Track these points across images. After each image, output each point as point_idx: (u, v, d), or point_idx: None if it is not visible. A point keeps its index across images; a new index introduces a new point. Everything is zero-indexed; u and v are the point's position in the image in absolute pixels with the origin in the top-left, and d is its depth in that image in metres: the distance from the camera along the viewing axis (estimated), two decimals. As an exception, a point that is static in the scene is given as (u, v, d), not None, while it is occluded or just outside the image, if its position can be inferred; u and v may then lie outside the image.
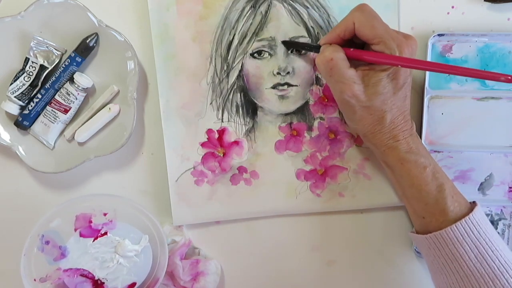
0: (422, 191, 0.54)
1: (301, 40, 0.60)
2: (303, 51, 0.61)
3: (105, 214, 0.58)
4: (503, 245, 0.52)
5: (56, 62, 0.59)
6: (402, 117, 0.54)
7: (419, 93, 0.62)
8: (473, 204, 0.55)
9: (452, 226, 0.52)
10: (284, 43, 0.60)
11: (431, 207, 0.54)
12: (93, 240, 0.57)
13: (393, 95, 0.53)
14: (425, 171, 0.54)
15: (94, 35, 0.58)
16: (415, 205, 0.55)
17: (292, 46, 0.60)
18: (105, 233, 0.57)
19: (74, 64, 0.58)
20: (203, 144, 0.62)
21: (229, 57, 0.61)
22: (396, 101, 0.53)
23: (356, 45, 0.54)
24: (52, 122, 0.60)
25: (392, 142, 0.54)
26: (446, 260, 0.53)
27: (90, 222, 0.57)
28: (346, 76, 0.52)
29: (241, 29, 0.60)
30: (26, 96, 0.59)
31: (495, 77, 0.48)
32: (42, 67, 0.59)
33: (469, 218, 0.52)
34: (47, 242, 0.56)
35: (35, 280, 0.56)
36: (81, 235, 0.57)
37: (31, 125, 0.60)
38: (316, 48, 0.56)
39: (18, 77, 0.58)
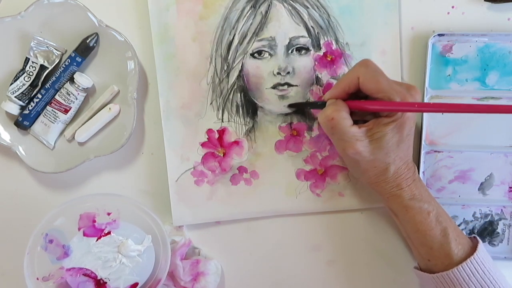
0: (427, 236, 0.57)
1: (301, 40, 0.63)
2: (303, 51, 0.63)
3: (108, 214, 0.59)
4: (506, 282, 0.57)
5: (56, 62, 0.61)
6: (405, 166, 0.57)
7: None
8: (474, 241, 0.58)
9: (458, 267, 0.55)
10: (290, 106, 0.64)
11: (436, 251, 0.57)
12: (97, 240, 0.58)
13: (397, 148, 0.55)
14: (429, 217, 0.57)
15: (94, 35, 0.60)
16: (420, 249, 0.58)
17: (297, 107, 0.64)
18: (109, 233, 0.59)
19: (74, 64, 0.61)
20: (203, 144, 0.64)
21: (229, 57, 0.63)
22: (399, 152, 0.56)
23: (360, 99, 0.57)
24: (52, 122, 0.62)
25: (396, 190, 0.57)
26: None
27: (94, 221, 0.59)
28: (349, 135, 0.54)
29: (241, 29, 0.63)
30: (26, 96, 0.61)
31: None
32: (42, 67, 0.61)
33: (473, 258, 0.55)
34: (51, 241, 0.58)
35: (37, 279, 0.58)
36: (84, 234, 0.58)
37: (31, 125, 0.63)
38: (322, 105, 0.58)
39: (18, 77, 0.61)
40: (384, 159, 0.56)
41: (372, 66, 0.55)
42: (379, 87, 0.54)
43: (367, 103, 0.55)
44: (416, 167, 0.59)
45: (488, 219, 0.66)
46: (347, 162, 0.59)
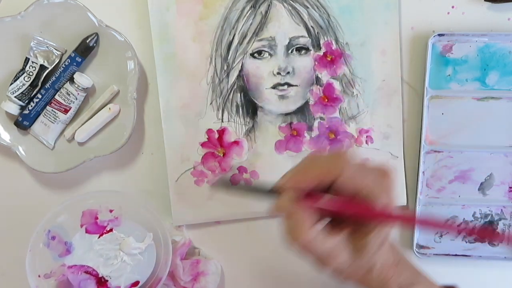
0: None
1: (301, 40, 0.63)
2: (303, 51, 0.64)
3: (111, 211, 0.60)
4: None
5: (56, 62, 0.62)
6: (390, 254, 0.50)
7: (419, 93, 0.64)
8: None
9: None
10: (221, 184, 0.57)
11: None
12: (98, 237, 0.59)
13: (382, 246, 0.47)
14: None
15: (94, 35, 0.61)
16: None
17: (234, 188, 0.58)
18: (110, 230, 0.59)
19: (74, 64, 0.61)
20: (203, 144, 0.65)
21: (229, 57, 0.64)
22: (384, 248, 0.47)
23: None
24: (52, 122, 0.63)
25: (382, 284, 0.49)
26: None
27: (96, 218, 0.59)
28: (328, 251, 0.44)
29: (241, 29, 0.63)
30: (26, 96, 0.62)
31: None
32: (42, 67, 0.61)
33: None
34: (53, 238, 0.59)
35: (39, 276, 0.58)
36: (86, 231, 0.59)
37: (31, 125, 0.63)
38: (272, 193, 0.47)
39: (18, 77, 0.61)
40: (369, 262, 0.47)
41: (355, 159, 0.45)
42: (363, 185, 0.44)
43: (352, 207, 0.44)
44: (396, 245, 0.51)
45: (488, 219, 0.66)
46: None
